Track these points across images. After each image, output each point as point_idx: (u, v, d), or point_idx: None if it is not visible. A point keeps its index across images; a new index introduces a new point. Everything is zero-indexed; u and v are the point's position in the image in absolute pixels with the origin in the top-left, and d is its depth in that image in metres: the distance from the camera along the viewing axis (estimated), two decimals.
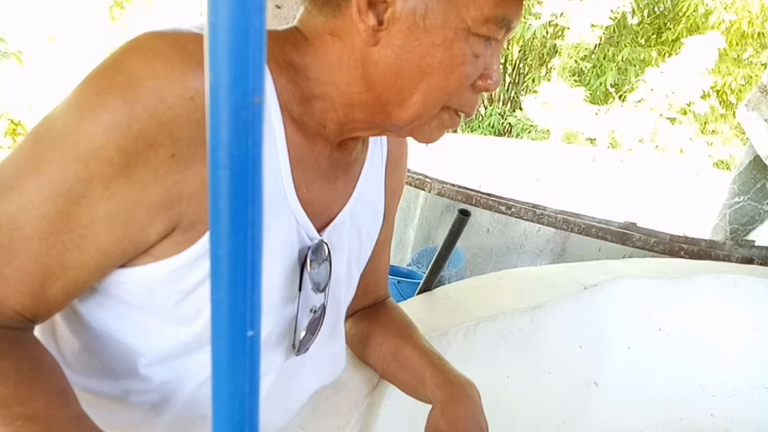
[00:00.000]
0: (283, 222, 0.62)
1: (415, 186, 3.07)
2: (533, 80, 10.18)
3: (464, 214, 1.25)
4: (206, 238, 0.55)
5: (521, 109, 9.87)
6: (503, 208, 2.70)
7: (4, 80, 7.22)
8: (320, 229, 0.69)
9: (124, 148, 0.49)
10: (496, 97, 10.95)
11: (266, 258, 0.59)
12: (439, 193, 2.98)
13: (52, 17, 9.34)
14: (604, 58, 9.61)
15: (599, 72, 9.51)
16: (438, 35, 0.56)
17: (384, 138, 0.80)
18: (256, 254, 0.26)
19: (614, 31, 9.60)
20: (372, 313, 0.94)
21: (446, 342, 1.18)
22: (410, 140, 0.81)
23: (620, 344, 1.72)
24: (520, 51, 10.82)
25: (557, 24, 9.01)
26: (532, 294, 1.46)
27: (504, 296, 1.42)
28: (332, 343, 0.80)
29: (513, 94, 10.93)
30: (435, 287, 1.44)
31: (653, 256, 2.41)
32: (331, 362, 0.82)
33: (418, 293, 1.42)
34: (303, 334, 0.70)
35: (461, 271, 3.02)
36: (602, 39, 9.04)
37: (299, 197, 0.63)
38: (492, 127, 10.26)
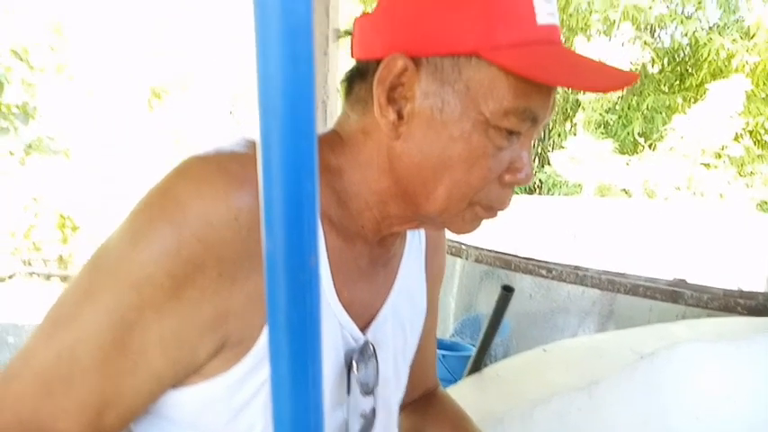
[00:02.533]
0: (327, 328, 0.61)
1: (451, 254, 3.05)
2: (559, 135, 10.21)
3: (507, 290, 1.23)
4: (254, 352, 0.55)
5: (549, 164, 9.86)
6: (543, 272, 2.65)
7: (52, 176, 7.63)
8: (363, 328, 0.67)
9: (174, 273, 0.50)
10: None
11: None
12: (476, 260, 2.94)
13: (95, 111, 9.95)
14: (629, 108, 9.62)
15: (625, 122, 9.50)
16: (456, 128, 0.56)
17: None
18: (318, 419, 0.26)
19: (636, 82, 9.65)
20: (423, 406, 0.91)
21: (502, 429, 1.13)
22: None
23: (687, 416, 1.62)
24: None
25: None
26: (586, 368, 1.40)
27: (556, 372, 1.37)
28: None
29: (539, 151, 10.97)
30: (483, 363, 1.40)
31: (708, 314, 2.30)
32: None
33: (468, 374, 1.38)
34: None
35: (506, 340, 2.93)
36: (625, 90, 9.10)
37: (341, 301, 0.62)
38: None
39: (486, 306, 3.07)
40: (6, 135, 7.52)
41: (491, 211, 0.62)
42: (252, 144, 0.57)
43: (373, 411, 0.70)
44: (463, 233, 0.65)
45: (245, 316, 0.54)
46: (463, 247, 3.01)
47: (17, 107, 7.30)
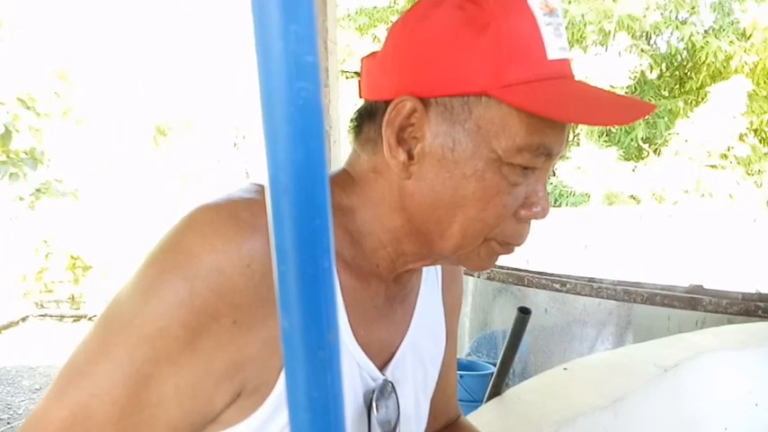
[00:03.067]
0: (345, 370, 0.60)
1: (464, 273, 3.03)
2: None
3: (524, 312, 1.21)
4: (271, 399, 0.54)
5: (554, 175, 9.85)
6: (557, 285, 2.62)
7: (61, 218, 7.71)
8: (382, 367, 0.66)
9: (188, 324, 0.49)
10: None
11: None
12: (489, 278, 2.92)
13: (101, 152, 10.09)
14: None
15: (628, 129, 9.49)
16: (468, 167, 0.55)
17: None
18: None
19: (635, 89, 9.68)
20: None
21: None
22: None
23: (716, 426, 1.58)
24: None
25: None
26: (610, 385, 1.37)
27: (579, 391, 1.34)
28: None
29: None
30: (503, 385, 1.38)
31: (728, 320, 2.26)
32: None
33: (487, 399, 1.35)
34: None
35: (524, 356, 2.89)
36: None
37: (358, 341, 0.62)
38: None
39: (501, 323, 3.04)
40: (16, 181, 7.62)
41: (507, 246, 0.61)
42: (262, 190, 0.57)
43: None
44: (480, 270, 0.65)
45: (262, 362, 0.53)
46: None
47: (25, 153, 7.41)
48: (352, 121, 0.63)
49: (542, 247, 5.37)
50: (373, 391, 0.63)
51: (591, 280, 2.63)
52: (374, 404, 0.63)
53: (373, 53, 0.61)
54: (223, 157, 10.97)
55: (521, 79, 0.53)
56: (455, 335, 0.88)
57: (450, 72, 0.54)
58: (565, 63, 0.56)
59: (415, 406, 0.74)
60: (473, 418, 1.25)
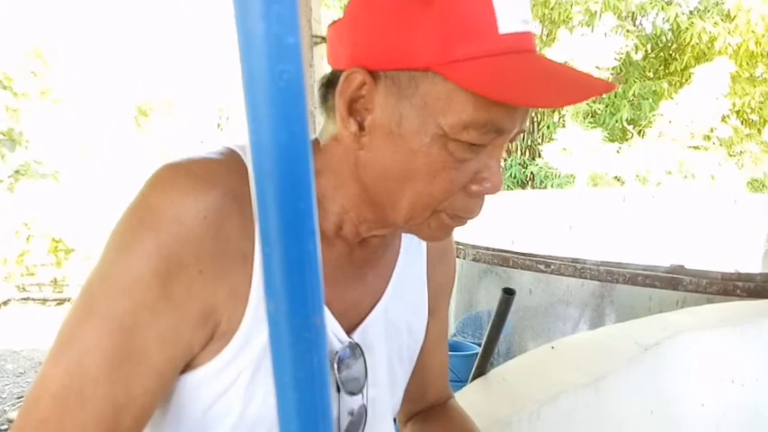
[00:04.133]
0: None
1: None
2: (548, 127, 10.25)
3: (509, 293, 1.23)
4: (234, 343, 0.58)
5: (540, 157, 9.90)
6: (542, 266, 2.65)
7: (42, 200, 7.59)
8: (353, 329, 0.68)
9: (159, 272, 0.53)
10: (515, 148, 11.03)
11: None
12: (474, 259, 2.94)
13: (81, 133, 9.91)
14: (616, 96, 9.67)
15: (613, 110, 9.54)
16: (415, 141, 0.55)
17: None
18: None
19: (621, 70, 9.70)
20: (431, 418, 0.90)
21: None
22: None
23: (694, 403, 1.62)
24: None
25: None
26: (591, 364, 1.40)
27: (562, 371, 1.37)
28: None
29: (529, 143, 11.00)
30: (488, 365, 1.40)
31: (708, 299, 2.31)
32: None
33: (472, 379, 1.37)
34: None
35: (509, 337, 2.93)
36: (610, 78, 9.14)
37: (326, 302, 0.63)
38: (514, 177, 10.27)
39: (487, 304, 3.07)
40: None
41: (459, 219, 0.61)
42: (228, 151, 0.61)
43: (363, 409, 0.70)
44: (432, 240, 0.66)
45: (229, 311, 0.57)
46: (460, 246, 3.01)
47: (3, 134, 7.25)
48: (318, 89, 0.63)
49: (527, 228, 5.42)
50: (336, 352, 0.65)
51: (574, 261, 2.66)
52: (335, 365, 0.65)
53: (335, 21, 0.60)
54: (206, 138, 10.84)
55: (468, 55, 0.51)
56: (444, 315, 0.88)
57: (396, 46, 0.53)
58: (523, 36, 0.53)
59: (388, 372, 0.75)
60: (458, 396, 1.27)
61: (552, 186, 9.04)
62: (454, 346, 2.88)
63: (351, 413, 0.69)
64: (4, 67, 9.67)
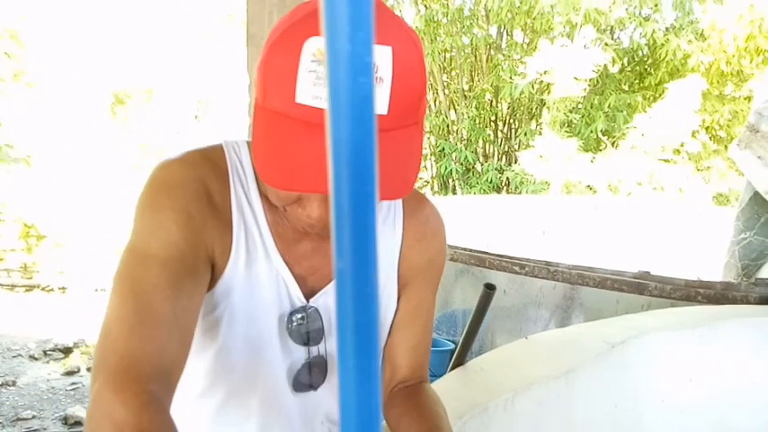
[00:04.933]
0: (272, 285, 0.80)
1: None
2: (525, 134, 10.44)
3: (490, 288, 1.30)
4: (219, 286, 0.77)
5: (517, 162, 10.09)
6: (516, 268, 2.75)
7: (14, 185, 7.43)
8: (314, 294, 0.83)
9: (177, 219, 0.71)
10: (491, 153, 11.21)
11: (262, 310, 0.80)
12: (451, 259, 3.03)
13: (55, 118, 9.69)
14: (591, 107, 9.92)
15: (588, 121, 9.79)
16: None
17: (399, 214, 0.88)
18: (378, 405, 0.33)
19: (598, 81, 9.95)
20: (402, 400, 0.88)
21: (487, 418, 1.20)
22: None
23: (654, 399, 1.73)
24: (509, 108, 11.18)
25: (542, 81, 9.35)
26: (563, 359, 1.49)
27: (535, 364, 1.45)
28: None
29: (506, 149, 11.19)
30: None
31: (671, 304, 2.43)
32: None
33: (452, 368, 1.45)
34: (297, 375, 0.86)
35: (482, 333, 3.02)
36: (587, 90, 9.37)
37: (285, 263, 0.79)
38: (490, 182, 10.43)
39: (462, 302, 3.16)
40: None
41: (306, 220, 0.73)
42: (213, 147, 0.80)
43: (323, 360, 0.86)
44: (296, 226, 0.77)
45: (220, 256, 0.76)
46: None
47: None
48: None
49: (502, 231, 5.54)
50: (291, 312, 0.81)
51: (548, 264, 2.77)
52: (286, 320, 0.81)
53: None
54: (183, 129, 10.71)
55: (274, 107, 0.62)
56: (419, 296, 0.90)
57: (257, 84, 0.67)
58: (315, 111, 0.60)
59: None
60: (437, 384, 1.35)
61: (527, 192, 9.23)
62: None
63: (307, 363, 0.85)
64: None
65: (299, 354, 0.84)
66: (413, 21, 10.66)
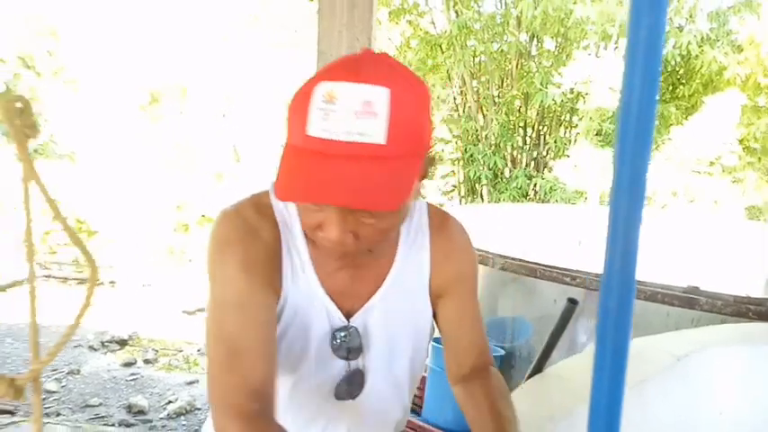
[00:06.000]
0: (316, 312, 0.94)
1: (479, 263, 3.23)
2: (555, 142, 10.43)
3: (573, 303, 1.42)
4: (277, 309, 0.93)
5: (547, 169, 10.11)
6: (567, 279, 2.85)
7: (61, 180, 7.71)
8: (353, 314, 0.95)
9: (242, 269, 0.87)
10: (520, 160, 11.22)
11: (308, 329, 0.94)
12: (502, 268, 3.14)
13: (95, 115, 9.97)
14: None
15: None
16: None
17: (426, 233, 1.00)
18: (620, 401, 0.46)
19: None
20: (471, 381, 1.03)
21: (572, 420, 1.32)
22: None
23: (712, 410, 1.82)
24: (537, 116, 11.18)
25: (573, 90, 9.34)
26: (632, 369, 1.60)
27: None
28: (384, 396, 1.03)
29: (535, 155, 11.18)
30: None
31: (721, 320, 2.51)
32: (385, 410, 1.05)
33: (530, 375, 1.57)
34: (339, 386, 0.98)
35: (529, 340, 3.13)
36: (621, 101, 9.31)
37: (325, 290, 0.93)
38: (519, 188, 10.43)
39: (511, 310, 3.27)
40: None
41: (329, 244, 0.85)
42: (261, 194, 0.94)
43: (359, 373, 0.98)
44: (323, 249, 0.89)
45: (277, 283, 0.92)
46: (489, 255, 3.21)
47: None
48: None
49: (536, 241, 5.60)
50: (334, 330, 0.95)
51: (598, 276, 2.86)
52: (329, 338, 0.95)
53: None
54: (211, 126, 10.91)
55: (291, 140, 0.78)
56: (462, 299, 1.03)
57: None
58: (325, 142, 0.74)
59: (389, 350, 0.99)
60: (517, 392, 1.47)
61: (556, 200, 9.25)
62: None
63: (348, 375, 0.97)
64: (22, 47, 9.70)
65: (340, 367, 0.98)
66: (445, 26, 10.72)
